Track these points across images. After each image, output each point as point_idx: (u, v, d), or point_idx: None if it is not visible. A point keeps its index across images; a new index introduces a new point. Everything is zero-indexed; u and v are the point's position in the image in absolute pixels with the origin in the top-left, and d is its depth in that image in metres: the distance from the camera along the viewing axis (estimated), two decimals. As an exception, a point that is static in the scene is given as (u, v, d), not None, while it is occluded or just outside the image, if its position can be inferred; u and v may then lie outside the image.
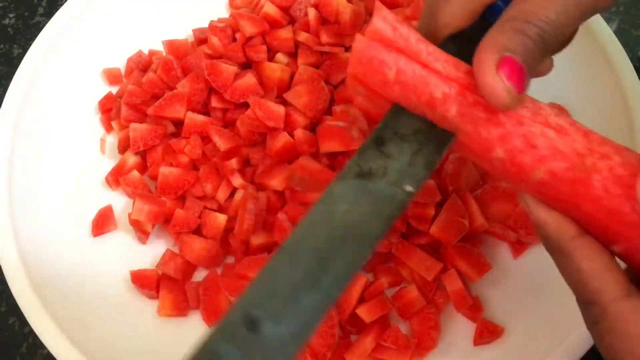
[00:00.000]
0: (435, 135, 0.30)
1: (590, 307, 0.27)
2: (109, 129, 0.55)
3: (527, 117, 0.29)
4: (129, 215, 0.49)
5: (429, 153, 0.29)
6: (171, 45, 0.57)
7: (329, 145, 0.46)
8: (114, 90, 0.57)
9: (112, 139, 0.55)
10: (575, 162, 0.28)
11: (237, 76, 0.51)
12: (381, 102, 0.31)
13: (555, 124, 0.28)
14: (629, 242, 0.27)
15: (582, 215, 0.28)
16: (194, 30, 0.57)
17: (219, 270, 0.48)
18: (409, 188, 0.28)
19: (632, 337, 0.25)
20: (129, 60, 0.58)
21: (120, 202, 0.52)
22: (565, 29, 0.29)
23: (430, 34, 0.34)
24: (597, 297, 0.27)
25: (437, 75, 0.29)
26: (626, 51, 0.48)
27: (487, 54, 0.28)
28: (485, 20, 0.33)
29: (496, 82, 0.27)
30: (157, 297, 0.47)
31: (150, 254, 0.49)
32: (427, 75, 0.29)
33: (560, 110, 0.30)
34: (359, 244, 0.26)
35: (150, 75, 0.53)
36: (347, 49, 0.53)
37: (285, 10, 0.54)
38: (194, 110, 0.51)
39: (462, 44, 0.32)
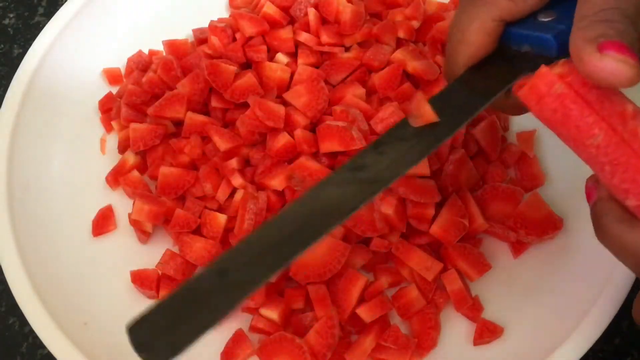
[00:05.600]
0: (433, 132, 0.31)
1: None
2: (109, 129, 0.55)
3: None
4: (129, 215, 0.49)
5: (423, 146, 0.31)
6: (171, 45, 0.57)
7: (329, 145, 0.46)
8: (114, 90, 0.57)
9: (112, 139, 0.55)
10: None
11: (237, 76, 0.51)
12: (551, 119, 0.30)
13: None
14: None
15: None
16: (194, 30, 0.57)
17: (219, 270, 0.48)
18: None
19: None
20: (129, 60, 0.58)
21: (120, 202, 0.52)
22: None
23: (453, 70, 0.35)
24: None
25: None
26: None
27: (583, 49, 0.27)
28: (504, 48, 0.34)
29: (608, 62, 0.27)
30: (157, 297, 0.47)
31: (150, 254, 0.49)
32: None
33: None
34: (331, 216, 0.28)
35: (150, 75, 0.53)
36: (347, 49, 0.53)
37: (285, 10, 0.54)
38: (194, 110, 0.51)
39: (488, 72, 0.34)
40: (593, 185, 0.33)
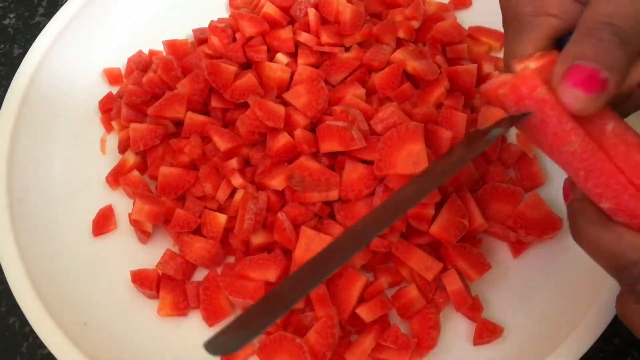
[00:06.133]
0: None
1: (628, 271, 0.29)
2: (109, 129, 0.55)
3: None
4: (129, 215, 0.49)
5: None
6: (171, 45, 0.57)
7: (329, 145, 0.46)
8: (114, 90, 0.57)
9: (112, 139, 0.55)
10: None
11: (237, 76, 0.51)
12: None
13: None
14: None
15: None
16: (194, 30, 0.57)
17: (219, 270, 0.48)
18: None
19: None
20: (129, 60, 0.58)
21: (120, 202, 0.52)
22: None
23: None
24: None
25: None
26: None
27: (557, 67, 0.29)
28: None
29: (562, 92, 0.29)
30: (157, 297, 0.47)
31: (150, 254, 0.49)
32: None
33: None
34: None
35: (150, 75, 0.53)
36: (347, 49, 0.53)
37: (285, 10, 0.54)
38: (194, 110, 0.51)
39: None
40: (570, 185, 0.33)
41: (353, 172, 0.45)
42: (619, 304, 0.33)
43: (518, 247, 0.47)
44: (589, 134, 0.30)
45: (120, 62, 0.58)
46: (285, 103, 0.49)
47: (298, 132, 0.47)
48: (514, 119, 0.31)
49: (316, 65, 0.52)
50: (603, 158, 0.30)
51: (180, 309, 0.47)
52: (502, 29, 0.37)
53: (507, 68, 0.36)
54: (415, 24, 0.54)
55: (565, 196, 0.34)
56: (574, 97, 0.28)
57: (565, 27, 0.33)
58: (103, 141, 0.55)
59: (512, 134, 0.51)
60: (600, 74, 0.28)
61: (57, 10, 0.57)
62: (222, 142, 0.49)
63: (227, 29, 0.54)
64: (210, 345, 0.25)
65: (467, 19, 0.58)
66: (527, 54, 0.33)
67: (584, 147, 0.29)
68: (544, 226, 0.45)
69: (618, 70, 0.29)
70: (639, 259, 0.29)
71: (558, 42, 0.34)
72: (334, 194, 0.45)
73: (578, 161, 0.30)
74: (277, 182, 0.46)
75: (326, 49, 0.52)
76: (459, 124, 0.47)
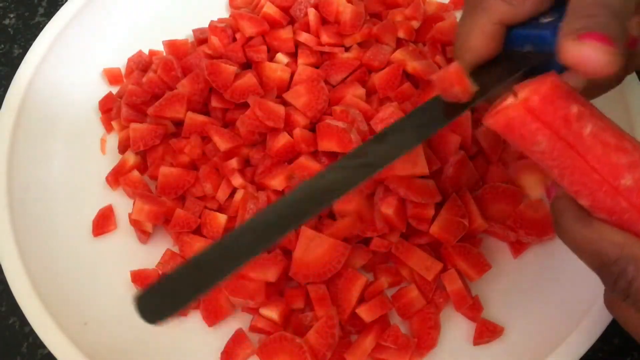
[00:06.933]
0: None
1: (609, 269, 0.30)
2: (109, 129, 0.55)
3: None
4: (129, 215, 0.49)
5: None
6: (171, 45, 0.57)
7: (328, 144, 0.46)
8: (114, 90, 0.57)
9: (112, 139, 0.55)
10: None
11: (237, 76, 0.51)
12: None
13: None
14: None
15: None
16: (194, 30, 0.57)
17: (219, 270, 0.48)
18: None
19: None
20: (129, 60, 0.58)
21: (120, 202, 0.52)
22: None
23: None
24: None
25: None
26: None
27: (565, 39, 0.29)
28: (509, 50, 0.36)
29: (585, 50, 0.28)
30: (157, 297, 0.47)
31: (150, 254, 0.49)
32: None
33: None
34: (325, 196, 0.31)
35: (150, 75, 0.53)
36: (347, 49, 0.53)
37: (285, 10, 0.54)
38: (194, 110, 0.51)
39: (488, 71, 0.35)
40: (552, 183, 0.34)
41: (353, 172, 0.45)
42: (606, 301, 0.34)
43: (518, 247, 0.47)
44: (566, 138, 0.29)
45: (120, 62, 0.58)
46: (285, 103, 0.49)
47: (297, 131, 0.47)
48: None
49: (316, 65, 0.52)
50: (574, 156, 0.29)
51: (180, 309, 0.47)
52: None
53: (457, 47, 0.37)
54: (415, 24, 0.54)
55: (548, 194, 0.34)
56: (597, 49, 0.28)
57: (515, 13, 0.34)
58: (103, 141, 0.55)
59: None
60: (611, 37, 0.28)
61: (57, 10, 0.57)
62: (222, 142, 0.49)
63: (227, 29, 0.54)
64: (141, 305, 0.26)
65: (467, 19, 0.58)
66: (475, 35, 0.35)
67: (552, 145, 0.29)
68: (544, 226, 0.45)
69: (620, 39, 0.29)
70: (618, 256, 0.29)
71: (509, 31, 0.35)
72: (334, 194, 0.45)
73: (549, 159, 0.30)
74: (277, 182, 0.46)
75: (326, 49, 0.52)
76: (461, 124, 0.47)
